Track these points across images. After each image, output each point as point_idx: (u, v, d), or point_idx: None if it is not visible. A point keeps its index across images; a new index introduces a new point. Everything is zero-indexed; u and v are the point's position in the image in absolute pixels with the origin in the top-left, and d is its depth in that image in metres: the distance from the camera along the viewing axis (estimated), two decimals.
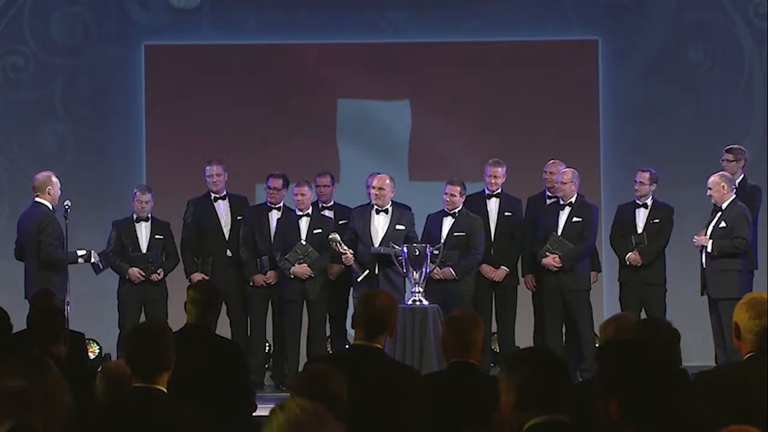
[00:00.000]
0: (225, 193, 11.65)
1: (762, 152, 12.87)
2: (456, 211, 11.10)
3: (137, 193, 11.39)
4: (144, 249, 11.33)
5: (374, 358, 5.36)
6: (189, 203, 11.70)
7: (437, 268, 10.72)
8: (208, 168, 11.59)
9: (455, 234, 11.04)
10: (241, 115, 13.50)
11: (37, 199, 10.95)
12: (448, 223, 11.10)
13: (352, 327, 5.53)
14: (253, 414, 6.70)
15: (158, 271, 11.22)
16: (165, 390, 4.72)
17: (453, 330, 5.56)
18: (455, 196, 11.07)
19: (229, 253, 11.51)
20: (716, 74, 13.43)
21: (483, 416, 4.67)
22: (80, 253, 10.95)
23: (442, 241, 10.91)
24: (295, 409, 3.27)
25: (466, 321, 5.60)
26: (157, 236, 11.36)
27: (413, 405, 5.21)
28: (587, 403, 5.24)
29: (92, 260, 11.05)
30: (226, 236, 11.55)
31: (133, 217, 11.39)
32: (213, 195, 11.62)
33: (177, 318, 7.08)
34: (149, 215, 11.39)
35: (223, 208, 11.62)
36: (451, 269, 10.94)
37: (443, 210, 11.16)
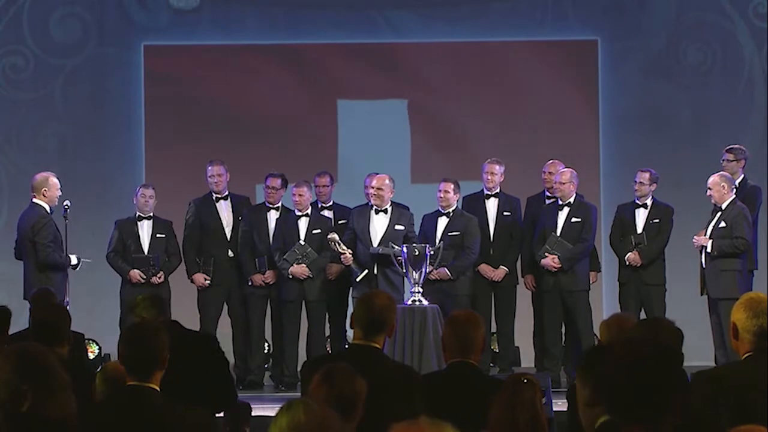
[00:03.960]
0: (227, 193, 11.66)
1: (762, 152, 12.86)
2: (450, 210, 11.11)
3: (140, 189, 11.43)
4: (146, 248, 11.33)
5: (373, 358, 5.37)
6: (191, 203, 11.71)
7: (433, 268, 10.72)
8: (210, 168, 11.60)
9: (450, 234, 11.04)
10: (241, 115, 13.50)
11: (33, 200, 10.90)
12: (442, 223, 11.10)
13: (351, 327, 5.54)
14: (236, 402, 6.73)
15: (159, 275, 11.21)
16: (158, 389, 4.73)
17: (453, 330, 5.57)
18: (449, 192, 11.06)
19: (230, 253, 11.52)
20: (716, 74, 13.43)
21: (482, 416, 4.68)
22: (73, 261, 10.88)
23: (438, 240, 10.91)
24: (300, 414, 3.26)
25: (467, 321, 5.60)
26: (158, 235, 11.37)
27: (411, 405, 5.21)
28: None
29: (78, 269, 10.98)
30: (228, 236, 11.55)
31: (135, 215, 11.40)
32: (215, 195, 11.63)
33: (179, 318, 7.08)
34: (152, 213, 11.41)
35: (224, 209, 11.63)
36: (446, 269, 10.94)
37: (438, 210, 11.17)
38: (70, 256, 10.86)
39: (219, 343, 6.90)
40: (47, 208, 10.84)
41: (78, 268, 10.95)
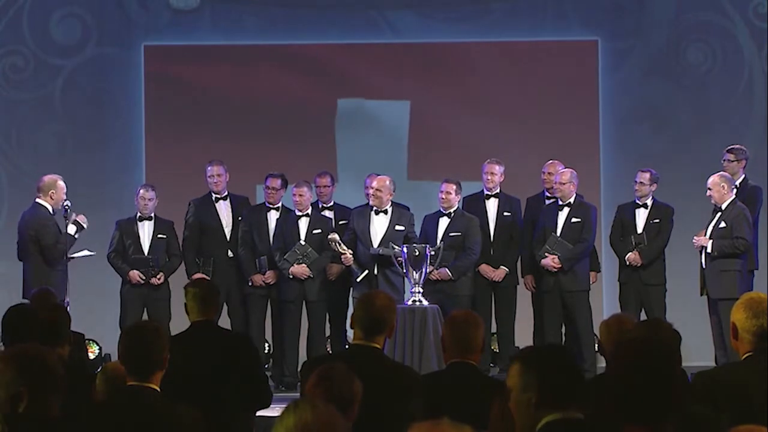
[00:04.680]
0: (226, 193, 11.66)
1: (762, 152, 12.86)
2: (452, 211, 11.10)
3: (140, 191, 11.43)
4: (146, 249, 11.33)
5: (372, 358, 5.37)
6: (190, 203, 11.71)
7: (434, 269, 10.71)
8: (209, 168, 11.60)
9: (451, 234, 11.03)
10: (240, 115, 13.50)
11: (37, 200, 10.93)
12: (443, 223, 11.09)
13: (351, 327, 5.54)
14: (270, 403, 6.73)
15: (159, 276, 11.21)
16: (158, 389, 4.74)
17: (453, 330, 5.56)
18: (451, 194, 11.06)
19: (230, 253, 11.52)
20: (716, 74, 13.43)
21: (482, 417, 4.67)
22: (71, 230, 10.88)
23: (440, 241, 10.91)
24: (307, 413, 3.25)
25: (467, 321, 5.60)
26: (159, 236, 11.37)
27: (411, 405, 5.21)
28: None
29: (84, 225, 10.96)
30: (227, 236, 11.55)
31: (135, 216, 11.41)
32: (214, 195, 11.63)
33: (180, 318, 7.09)
34: (152, 214, 11.41)
35: (224, 209, 11.63)
36: (447, 269, 10.93)
37: (439, 210, 11.16)
38: (67, 232, 10.82)
39: (254, 344, 6.91)
40: (50, 209, 10.88)
41: (85, 227, 10.89)
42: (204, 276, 11.29)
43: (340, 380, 4.30)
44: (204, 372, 4.91)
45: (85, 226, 10.98)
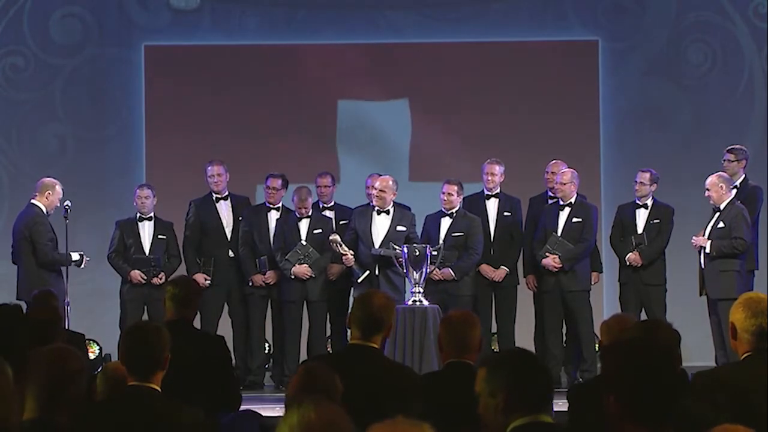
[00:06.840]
0: (227, 193, 11.67)
1: (762, 152, 12.86)
2: (454, 211, 11.09)
3: (137, 190, 11.45)
4: (147, 249, 11.34)
5: (370, 358, 5.37)
6: (191, 203, 11.72)
7: (436, 269, 10.71)
8: (209, 168, 11.61)
9: (453, 234, 11.02)
10: (241, 115, 13.50)
11: (32, 201, 10.95)
12: (446, 223, 11.09)
13: (348, 326, 5.54)
14: (240, 406, 6.73)
15: (160, 276, 11.22)
16: (159, 389, 4.74)
17: (449, 330, 5.56)
18: (453, 195, 11.05)
19: (231, 253, 11.52)
20: (716, 74, 13.44)
21: (479, 416, 4.67)
22: (74, 257, 10.92)
23: (441, 241, 10.90)
24: (311, 412, 3.25)
25: (463, 321, 5.59)
26: (159, 236, 11.39)
27: (408, 405, 5.21)
28: (587, 402, 5.25)
29: (82, 266, 11.03)
30: (228, 236, 11.56)
31: (136, 216, 11.42)
32: (215, 195, 11.63)
33: None
34: (152, 215, 11.42)
35: (224, 209, 11.63)
36: (450, 269, 10.93)
37: (441, 210, 11.15)
38: (71, 253, 10.88)
39: (227, 345, 6.89)
40: (44, 210, 10.88)
41: (83, 265, 10.97)
42: (206, 276, 11.33)
43: (320, 378, 4.30)
44: (175, 371, 4.91)
45: (84, 258, 11.00)
